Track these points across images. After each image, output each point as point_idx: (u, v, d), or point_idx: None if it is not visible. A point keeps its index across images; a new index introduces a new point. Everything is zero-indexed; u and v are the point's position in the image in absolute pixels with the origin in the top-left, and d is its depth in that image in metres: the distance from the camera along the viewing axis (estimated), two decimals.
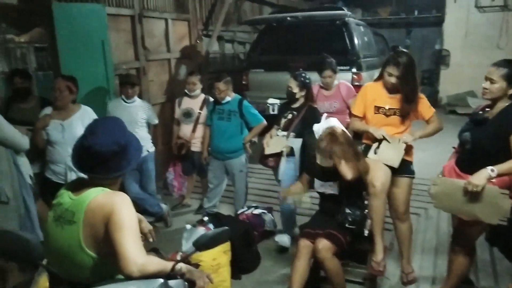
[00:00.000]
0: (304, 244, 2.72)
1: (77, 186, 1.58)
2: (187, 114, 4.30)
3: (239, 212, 3.81)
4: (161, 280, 1.39)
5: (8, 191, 2.65)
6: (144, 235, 1.96)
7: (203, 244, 1.62)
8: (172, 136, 4.44)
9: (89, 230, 1.46)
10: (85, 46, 3.67)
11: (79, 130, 3.24)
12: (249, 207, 3.84)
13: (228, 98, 3.86)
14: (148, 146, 3.89)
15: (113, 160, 1.54)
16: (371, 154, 2.78)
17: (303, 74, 3.45)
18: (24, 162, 2.83)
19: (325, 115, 3.13)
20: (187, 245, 2.96)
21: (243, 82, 5.94)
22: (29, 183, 2.81)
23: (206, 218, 3.24)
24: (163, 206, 4.12)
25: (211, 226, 3.12)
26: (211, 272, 2.89)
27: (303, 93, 3.45)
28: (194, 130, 4.27)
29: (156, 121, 3.89)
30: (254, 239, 3.36)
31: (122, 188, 3.84)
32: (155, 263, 1.43)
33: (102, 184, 1.56)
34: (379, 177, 2.66)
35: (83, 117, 3.23)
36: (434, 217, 4.02)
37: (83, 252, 1.47)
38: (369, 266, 2.81)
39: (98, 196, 1.50)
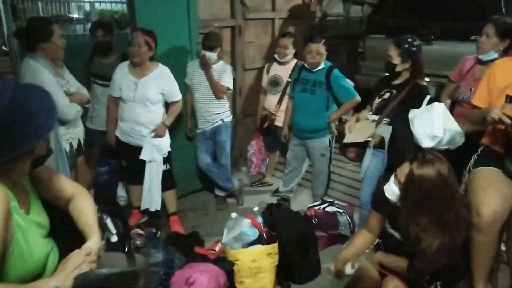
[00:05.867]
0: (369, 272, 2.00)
1: None
2: (274, 82, 3.75)
3: (309, 205, 3.18)
4: None
5: None
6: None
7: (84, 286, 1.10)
8: (258, 107, 3.97)
9: None
10: None
11: (152, 91, 3.00)
12: (323, 202, 3.17)
13: (321, 65, 3.17)
14: (224, 115, 3.49)
15: None
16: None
17: (409, 40, 2.53)
18: (67, 132, 2.65)
19: (427, 98, 2.23)
20: (227, 237, 2.51)
21: (359, 49, 5.04)
22: (66, 152, 2.63)
23: (256, 209, 2.72)
24: (236, 182, 3.73)
25: (259, 219, 2.60)
26: (248, 275, 2.42)
27: (406, 66, 2.55)
28: (280, 102, 3.71)
29: (231, 87, 3.44)
30: (314, 243, 2.71)
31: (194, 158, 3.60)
32: None
33: None
34: (490, 202, 1.74)
35: (159, 78, 2.98)
36: None
37: None
38: None
39: None
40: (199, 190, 3.93)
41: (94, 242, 1.26)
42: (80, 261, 1.14)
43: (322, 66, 3.18)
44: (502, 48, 2.52)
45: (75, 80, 2.77)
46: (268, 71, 3.81)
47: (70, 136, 2.67)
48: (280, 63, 3.71)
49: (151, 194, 3.12)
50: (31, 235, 1.17)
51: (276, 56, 3.72)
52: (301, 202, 3.65)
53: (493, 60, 2.43)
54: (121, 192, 3.67)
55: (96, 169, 3.59)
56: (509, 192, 1.78)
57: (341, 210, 3.04)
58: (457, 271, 1.86)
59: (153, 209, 3.16)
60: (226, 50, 4.18)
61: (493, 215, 1.73)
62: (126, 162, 3.26)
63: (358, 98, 3.08)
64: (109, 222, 1.51)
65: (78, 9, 10.72)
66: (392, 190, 1.73)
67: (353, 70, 5.14)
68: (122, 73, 3.01)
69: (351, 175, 4.01)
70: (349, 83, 3.14)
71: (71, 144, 2.68)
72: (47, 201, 1.34)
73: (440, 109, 2.11)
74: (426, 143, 2.09)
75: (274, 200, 3.66)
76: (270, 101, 3.78)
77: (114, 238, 1.54)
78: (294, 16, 4.89)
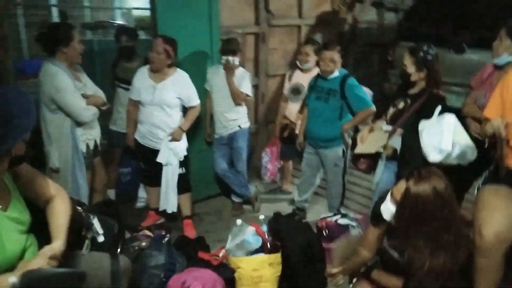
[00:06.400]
0: None
1: None
2: (296, 90, 3.72)
3: (322, 216, 3.10)
4: None
5: (55, 159, 2.60)
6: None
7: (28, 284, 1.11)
8: (278, 115, 3.93)
9: None
10: (188, 4, 3.40)
11: (170, 95, 3.08)
12: (336, 213, 3.09)
13: (336, 73, 3.11)
14: (241, 121, 3.50)
15: None
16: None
17: (425, 48, 2.42)
18: (84, 133, 2.76)
19: (438, 108, 2.12)
20: (231, 244, 2.51)
21: (388, 58, 4.90)
22: (83, 152, 2.74)
23: (262, 217, 2.69)
24: (252, 188, 3.72)
25: (264, 228, 2.57)
26: (249, 283, 2.40)
27: (421, 75, 2.44)
28: (301, 111, 3.67)
29: (250, 93, 3.44)
30: (321, 255, 2.64)
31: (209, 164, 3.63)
32: None
33: None
34: (493, 223, 1.62)
35: (177, 82, 3.06)
36: None
37: None
38: None
39: None
40: (216, 195, 3.95)
41: (56, 245, 1.29)
42: (42, 261, 1.17)
43: (336, 74, 3.11)
44: None
45: (92, 83, 2.89)
46: (290, 79, 3.78)
47: (87, 137, 2.78)
48: (303, 71, 3.67)
49: (168, 196, 3.19)
50: (6, 231, 1.22)
51: (297, 63, 3.68)
52: (317, 212, 3.56)
53: (508, 64, 2.28)
54: (142, 193, 3.76)
55: (119, 169, 3.71)
56: None
57: (354, 223, 2.94)
58: None
59: (169, 211, 3.22)
60: (249, 56, 4.20)
61: (495, 236, 1.60)
62: (144, 164, 3.35)
63: (373, 108, 2.98)
64: (95, 222, 1.55)
65: (122, 15, 11.19)
66: (388, 209, 1.65)
67: (383, 78, 5.00)
68: (142, 77, 3.10)
69: (369, 185, 3.87)
70: (366, 93, 3.05)
71: (87, 145, 2.79)
72: (28, 199, 1.40)
73: (450, 121, 2.00)
74: (433, 156, 1.98)
75: (291, 209, 3.62)
76: (291, 109, 3.75)
77: (101, 238, 1.58)
78: (322, 23, 4.82)
